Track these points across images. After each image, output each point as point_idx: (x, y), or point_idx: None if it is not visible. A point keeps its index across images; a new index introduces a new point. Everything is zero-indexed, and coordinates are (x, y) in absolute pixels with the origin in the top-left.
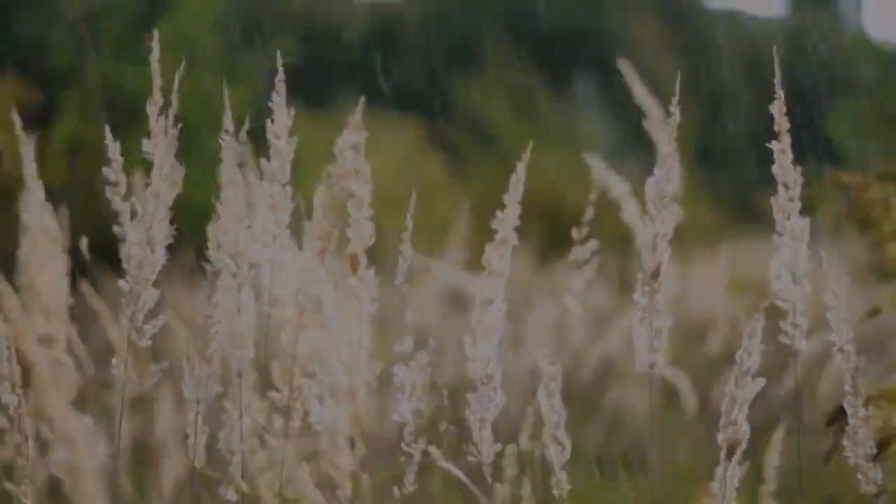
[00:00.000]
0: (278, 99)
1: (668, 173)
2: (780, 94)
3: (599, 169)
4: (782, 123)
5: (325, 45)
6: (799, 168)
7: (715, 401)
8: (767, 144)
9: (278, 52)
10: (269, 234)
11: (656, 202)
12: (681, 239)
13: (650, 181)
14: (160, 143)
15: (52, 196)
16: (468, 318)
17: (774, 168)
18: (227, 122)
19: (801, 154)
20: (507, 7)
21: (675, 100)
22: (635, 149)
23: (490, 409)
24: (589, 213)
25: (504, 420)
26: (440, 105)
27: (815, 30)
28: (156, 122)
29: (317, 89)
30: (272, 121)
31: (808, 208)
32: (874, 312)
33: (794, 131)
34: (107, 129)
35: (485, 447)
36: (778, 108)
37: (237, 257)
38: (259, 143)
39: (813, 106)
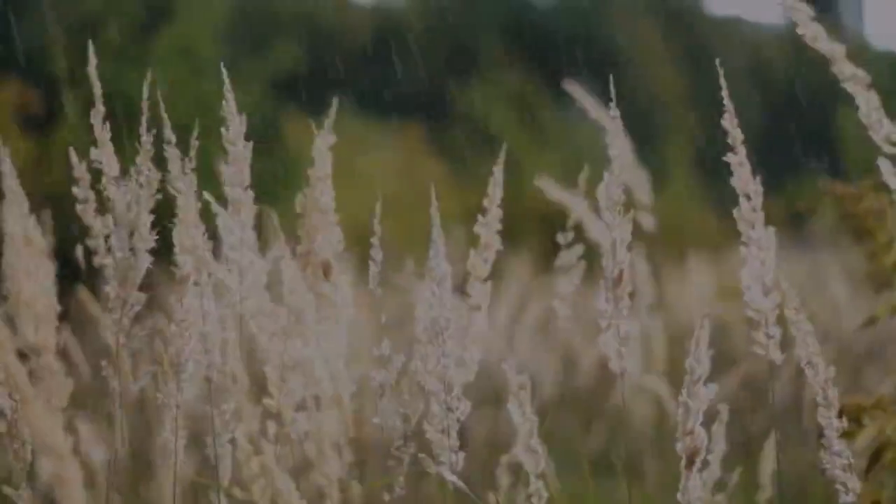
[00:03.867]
0: (229, 106)
1: (617, 178)
2: (729, 106)
3: (553, 190)
4: (736, 136)
5: (325, 50)
6: (759, 178)
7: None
8: (724, 158)
9: (221, 63)
10: (235, 238)
11: (609, 208)
12: (679, 245)
13: (600, 187)
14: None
15: (53, 200)
16: (466, 324)
17: (733, 180)
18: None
19: (802, 161)
20: (507, 12)
21: (611, 104)
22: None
23: (452, 419)
24: (574, 219)
25: (498, 427)
26: (440, 109)
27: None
28: (100, 131)
29: (317, 94)
30: (227, 128)
31: (807, 215)
32: (871, 321)
33: (796, 139)
34: (71, 150)
35: (451, 455)
36: (730, 121)
37: (198, 262)
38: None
39: (814, 113)
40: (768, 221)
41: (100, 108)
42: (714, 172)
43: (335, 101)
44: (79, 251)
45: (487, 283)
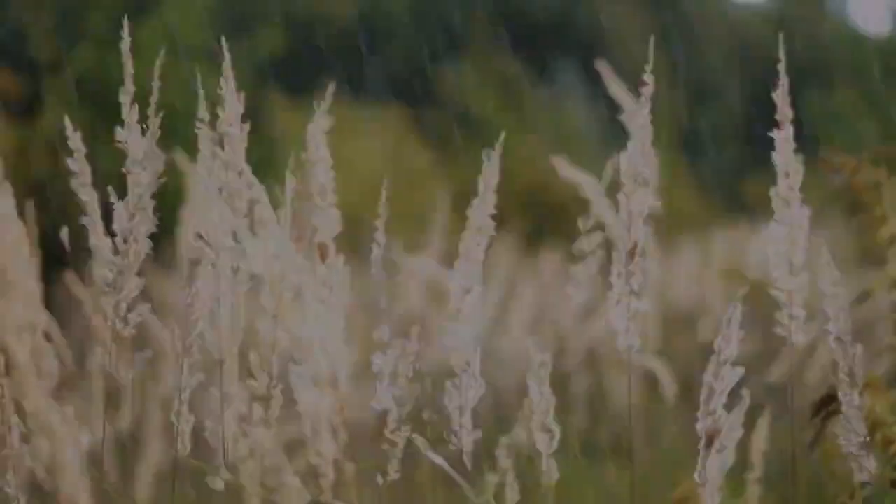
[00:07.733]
0: (227, 86)
1: (642, 148)
2: (784, 80)
3: (566, 168)
4: (785, 111)
5: (310, 33)
6: (801, 156)
7: (700, 388)
8: (770, 133)
9: (222, 39)
10: (227, 223)
11: (631, 179)
12: (665, 226)
13: (623, 157)
14: (134, 132)
15: (37, 185)
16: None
17: (775, 156)
18: (202, 111)
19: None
20: None
21: (647, 67)
22: (620, 135)
23: (470, 397)
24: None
25: (494, 410)
26: (425, 93)
27: (799, 18)
28: (128, 112)
29: (302, 78)
30: (223, 109)
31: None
32: (865, 297)
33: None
34: (66, 119)
35: (465, 435)
36: (781, 96)
37: (213, 246)
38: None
39: (796, 93)
40: (754, 199)
41: (129, 88)
42: (697, 153)
43: (331, 86)
44: (64, 233)
45: (479, 266)
